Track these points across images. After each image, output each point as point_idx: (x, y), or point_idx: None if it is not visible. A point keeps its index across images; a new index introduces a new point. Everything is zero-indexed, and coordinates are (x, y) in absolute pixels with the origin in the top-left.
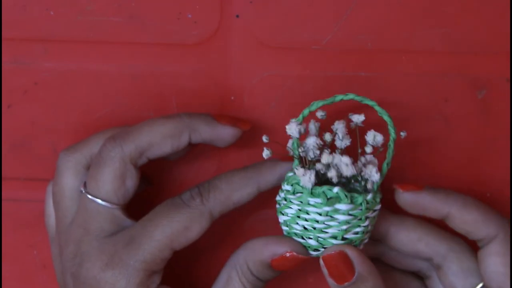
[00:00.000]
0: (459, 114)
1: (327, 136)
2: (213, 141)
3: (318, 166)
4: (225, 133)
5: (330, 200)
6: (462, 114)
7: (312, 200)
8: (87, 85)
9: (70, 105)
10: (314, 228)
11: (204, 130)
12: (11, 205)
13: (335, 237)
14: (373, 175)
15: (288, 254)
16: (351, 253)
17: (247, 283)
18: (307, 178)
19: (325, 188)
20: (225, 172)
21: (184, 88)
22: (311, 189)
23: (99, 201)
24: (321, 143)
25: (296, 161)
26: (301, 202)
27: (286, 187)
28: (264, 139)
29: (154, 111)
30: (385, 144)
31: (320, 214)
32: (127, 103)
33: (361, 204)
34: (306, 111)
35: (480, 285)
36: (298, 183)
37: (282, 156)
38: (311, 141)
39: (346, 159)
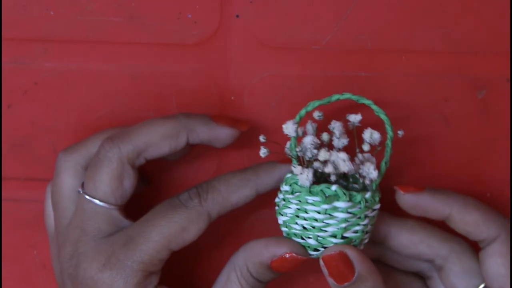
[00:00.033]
0: (459, 114)
1: (325, 136)
2: (211, 141)
3: (316, 164)
4: (223, 134)
5: (329, 198)
6: (462, 114)
7: (310, 199)
8: (87, 85)
9: (70, 105)
10: (313, 227)
11: (202, 131)
12: (11, 205)
13: (334, 236)
14: (371, 172)
15: (287, 255)
16: (351, 253)
17: (247, 284)
18: (304, 176)
19: (323, 186)
20: (224, 174)
21: (184, 88)
22: (309, 187)
23: (97, 201)
24: (318, 142)
25: (294, 161)
26: (300, 201)
27: (284, 187)
28: (261, 138)
29: (154, 111)
30: (382, 143)
31: (319, 213)
32: (127, 103)
33: (360, 202)
34: (302, 112)
35: (482, 286)
36: (296, 183)
37: (281, 158)
38: (308, 140)
39: (343, 155)
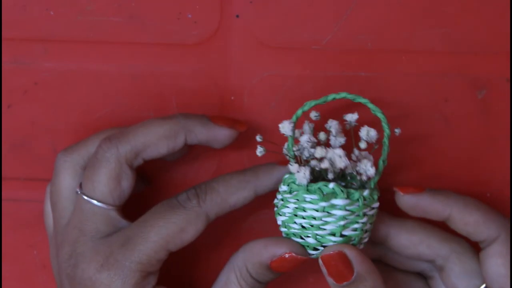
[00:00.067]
0: (459, 114)
1: (322, 135)
2: (209, 142)
3: (313, 163)
4: (221, 134)
5: (327, 196)
6: (462, 114)
7: (308, 197)
8: (87, 85)
9: (70, 105)
10: (312, 226)
11: (200, 131)
12: (11, 205)
13: (333, 234)
14: (368, 169)
15: (287, 255)
16: (350, 253)
17: (246, 285)
18: (301, 174)
19: (320, 184)
20: (223, 175)
21: (184, 88)
22: (307, 186)
23: (95, 202)
24: (315, 140)
25: (291, 160)
26: (297, 200)
27: (282, 188)
28: (258, 138)
29: (154, 111)
30: (380, 141)
31: (317, 210)
32: (127, 103)
33: (358, 200)
34: (299, 111)
35: (483, 286)
36: (294, 182)
37: (279, 158)
38: (305, 139)
39: (339, 151)
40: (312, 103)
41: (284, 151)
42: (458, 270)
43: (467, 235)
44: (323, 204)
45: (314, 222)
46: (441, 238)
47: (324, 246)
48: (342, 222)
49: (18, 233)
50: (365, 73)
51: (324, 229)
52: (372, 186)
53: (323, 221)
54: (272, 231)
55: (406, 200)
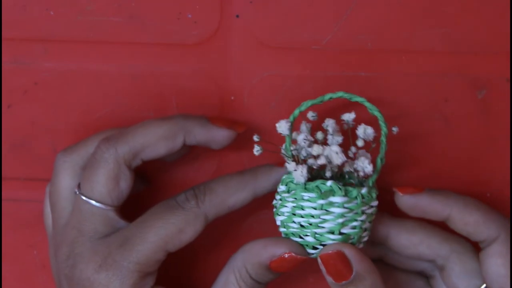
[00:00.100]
0: (459, 114)
1: (319, 135)
2: (208, 143)
3: (310, 161)
4: (219, 135)
5: (324, 193)
6: (462, 114)
7: (306, 195)
8: (87, 85)
9: (70, 105)
10: (311, 224)
11: (198, 132)
12: (11, 205)
13: (332, 232)
14: (366, 166)
15: (286, 255)
16: (349, 252)
17: (246, 286)
18: (299, 172)
19: (318, 182)
20: (222, 176)
21: (184, 88)
22: (305, 184)
23: (93, 202)
24: (312, 139)
25: (288, 159)
26: (296, 198)
27: (281, 188)
28: (255, 138)
29: (154, 111)
30: (377, 139)
31: (315, 208)
32: (127, 103)
33: (356, 197)
34: (296, 112)
35: (483, 286)
36: (292, 181)
37: (277, 157)
38: (301, 138)
39: (335, 148)
40: (309, 103)
41: (283, 151)
42: (459, 270)
43: (467, 235)
44: (321, 202)
45: (312, 220)
46: (441, 238)
47: (323, 245)
48: (340, 220)
49: (18, 233)
50: (365, 73)
51: (323, 227)
52: (371, 184)
53: (322, 219)
54: (271, 232)
55: (405, 200)
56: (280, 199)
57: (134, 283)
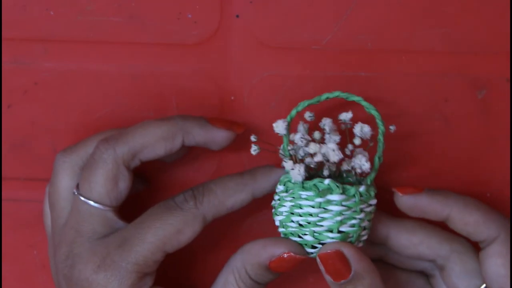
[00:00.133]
0: (459, 114)
1: (316, 134)
2: (207, 144)
3: (308, 160)
4: (218, 136)
5: (322, 192)
6: (462, 114)
7: (304, 194)
8: (87, 85)
9: (70, 105)
10: (309, 223)
11: (197, 133)
12: (11, 205)
13: (330, 231)
14: (363, 164)
15: (285, 255)
16: (348, 251)
17: (245, 287)
18: (296, 171)
19: (316, 181)
20: (221, 177)
21: (184, 88)
22: (302, 183)
23: (92, 203)
24: (309, 138)
25: (285, 159)
26: (293, 197)
27: (279, 188)
28: (252, 138)
29: (154, 111)
30: (375, 138)
31: (313, 207)
32: (127, 103)
33: (354, 195)
34: (293, 112)
35: (484, 286)
36: (290, 181)
37: (275, 157)
38: (298, 137)
39: (332, 145)
40: (306, 103)
41: (280, 151)
42: (459, 270)
43: (467, 235)
44: (319, 200)
45: (310, 219)
46: (441, 238)
47: (322, 244)
48: (338, 218)
49: (18, 233)
50: (365, 73)
51: (321, 226)
52: (369, 182)
53: (320, 217)
54: (271, 233)
55: (404, 201)
56: (279, 199)
57: (133, 284)
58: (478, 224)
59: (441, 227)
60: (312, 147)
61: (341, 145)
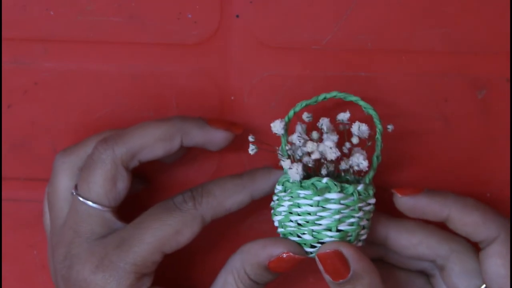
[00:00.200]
0: (459, 114)
1: (314, 134)
2: (205, 144)
3: (306, 159)
4: (217, 137)
5: (320, 190)
6: (462, 114)
7: (302, 193)
8: (87, 85)
9: (70, 105)
10: (307, 222)
11: (196, 134)
12: (11, 205)
13: (329, 229)
14: (361, 162)
15: (284, 255)
16: (347, 251)
17: (244, 287)
18: (294, 170)
19: (314, 180)
20: (220, 178)
21: (184, 88)
22: (300, 182)
23: (90, 203)
24: (307, 137)
25: (283, 158)
26: (292, 196)
27: (277, 188)
28: (250, 138)
29: (154, 111)
30: (372, 137)
31: (311, 206)
32: (127, 103)
33: (352, 194)
34: (291, 113)
35: (484, 286)
36: (288, 180)
37: (277, 163)
38: (295, 136)
39: (329, 143)
40: (303, 103)
41: (279, 153)
42: (459, 270)
43: (466, 236)
44: (317, 198)
45: (309, 217)
46: (441, 238)
47: (321, 243)
48: (337, 216)
49: (18, 233)
50: (365, 73)
51: (320, 224)
52: (367, 181)
53: (318, 216)
54: (270, 233)
55: (404, 202)
56: (277, 199)
57: (131, 284)
58: (477, 225)
59: (441, 227)
60: (310, 146)
61: (339, 145)
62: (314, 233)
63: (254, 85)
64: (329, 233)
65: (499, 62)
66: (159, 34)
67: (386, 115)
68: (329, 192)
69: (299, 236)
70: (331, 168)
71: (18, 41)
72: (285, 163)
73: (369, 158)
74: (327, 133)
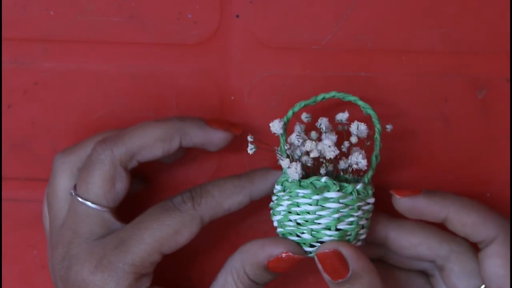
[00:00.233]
0: (459, 114)
1: (313, 134)
2: (204, 145)
3: (305, 158)
4: (216, 137)
5: (319, 189)
6: (462, 114)
7: (301, 192)
8: (87, 85)
9: (70, 105)
10: (307, 221)
11: (195, 134)
12: (11, 205)
13: (328, 228)
14: (360, 161)
15: (284, 255)
16: (346, 251)
17: (243, 287)
18: (293, 169)
19: (313, 179)
20: (219, 178)
21: (184, 88)
22: (299, 181)
23: (89, 203)
24: (305, 137)
25: (281, 157)
26: (291, 196)
27: (277, 188)
28: (249, 138)
29: (154, 111)
30: (371, 137)
31: (310, 205)
32: (127, 103)
33: (351, 193)
34: (289, 113)
35: (483, 286)
36: (287, 180)
37: (276, 165)
38: (294, 135)
39: (328, 141)
40: (302, 103)
41: (278, 153)
42: (458, 270)
43: (466, 236)
44: (316, 197)
45: (308, 217)
46: (440, 238)
47: (320, 242)
48: (336, 215)
49: (18, 233)
50: (365, 73)
51: (319, 223)
52: (366, 181)
53: (317, 215)
54: (269, 233)
55: (402, 203)
56: (276, 199)
57: (130, 285)
58: (476, 225)
59: (440, 227)
60: (308, 144)
61: (338, 145)
62: (313, 232)
63: (254, 85)
64: (328, 232)
65: (499, 62)
66: (159, 34)
67: (386, 115)
68: (328, 191)
69: (298, 236)
70: (330, 167)
71: (18, 41)
72: (284, 162)
73: (368, 158)
74: (326, 132)
